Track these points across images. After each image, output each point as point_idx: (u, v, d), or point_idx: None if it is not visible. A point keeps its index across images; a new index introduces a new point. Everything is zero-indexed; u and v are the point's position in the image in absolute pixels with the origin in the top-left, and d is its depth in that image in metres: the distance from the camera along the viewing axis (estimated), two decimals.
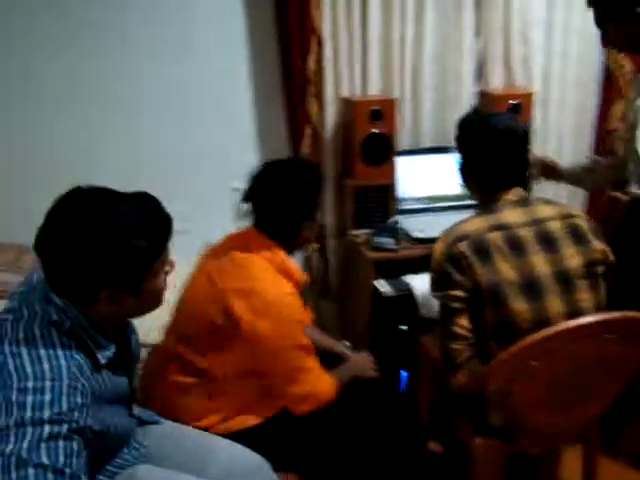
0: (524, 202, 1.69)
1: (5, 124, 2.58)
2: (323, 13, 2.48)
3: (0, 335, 1.21)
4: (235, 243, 1.79)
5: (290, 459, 1.78)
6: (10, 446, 1.07)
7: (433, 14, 2.62)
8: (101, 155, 2.68)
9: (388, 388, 2.14)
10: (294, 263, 1.78)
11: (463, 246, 1.59)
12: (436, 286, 1.66)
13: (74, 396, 1.15)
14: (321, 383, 1.76)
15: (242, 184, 2.50)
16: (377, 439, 1.86)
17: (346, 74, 2.59)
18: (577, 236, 1.65)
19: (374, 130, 2.48)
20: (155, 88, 2.64)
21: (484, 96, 2.75)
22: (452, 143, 2.05)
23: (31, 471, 1.06)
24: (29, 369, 1.15)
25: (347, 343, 2.16)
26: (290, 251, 1.80)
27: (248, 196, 1.79)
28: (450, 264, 1.61)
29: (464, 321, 1.60)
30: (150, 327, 2.10)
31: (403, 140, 2.70)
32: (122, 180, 2.32)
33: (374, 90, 2.65)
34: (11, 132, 2.60)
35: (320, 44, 2.49)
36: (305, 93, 2.53)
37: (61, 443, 1.11)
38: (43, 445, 1.08)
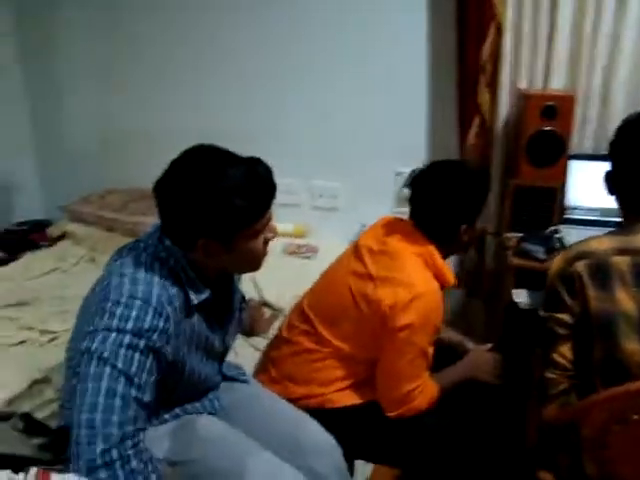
0: None
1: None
2: None
3: (118, 257, 1.41)
4: (390, 230, 1.79)
5: (373, 447, 1.80)
6: (95, 344, 1.23)
7: (637, 3, 2.28)
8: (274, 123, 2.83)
9: (504, 398, 1.99)
10: (445, 264, 1.74)
11: (580, 266, 1.39)
12: (545, 305, 1.49)
13: (157, 320, 1.28)
14: (421, 397, 1.72)
15: (405, 169, 2.50)
16: (472, 450, 1.79)
17: (526, 64, 2.38)
18: None
19: (545, 128, 2.25)
20: (333, 66, 2.69)
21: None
22: None
23: (107, 369, 1.21)
24: (126, 287, 1.31)
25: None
26: (445, 254, 1.77)
27: (410, 190, 1.79)
28: (562, 283, 1.42)
29: (566, 350, 1.41)
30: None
31: (584, 142, 2.42)
32: (283, 147, 2.57)
33: (557, 84, 2.39)
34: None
35: (500, 31, 2.31)
36: (477, 82, 2.38)
37: (137, 355, 1.24)
38: (122, 351, 1.23)
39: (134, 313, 1.27)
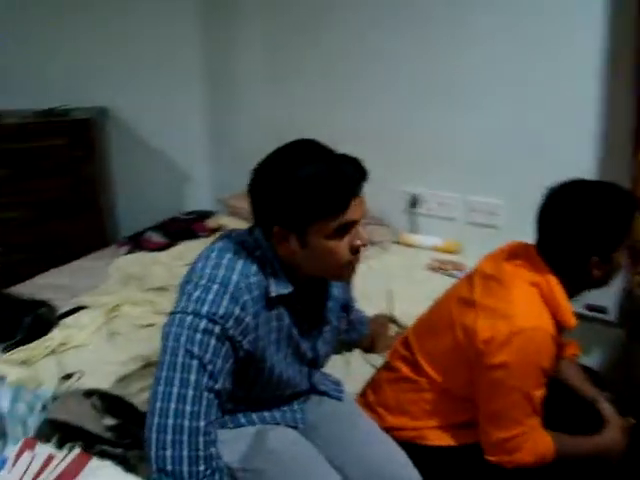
0: None
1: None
2: None
3: (212, 243, 1.42)
4: (512, 255, 1.59)
5: None
6: (174, 328, 1.25)
7: None
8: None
9: None
10: (566, 300, 1.49)
11: None
12: None
13: (233, 306, 1.26)
14: (526, 449, 1.48)
15: None
16: None
17: None
18: None
19: None
20: (494, 80, 2.51)
21: None
22: None
23: (181, 355, 1.22)
24: (207, 271, 1.31)
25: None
26: (571, 289, 1.52)
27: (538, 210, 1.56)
28: None
29: None
30: None
31: None
32: (442, 159, 2.70)
33: None
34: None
35: None
36: None
37: (213, 340, 1.24)
38: (198, 336, 1.23)
39: (211, 297, 1.26)
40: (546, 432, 1.52)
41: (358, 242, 1.32)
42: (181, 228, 3.05)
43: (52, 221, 2.97)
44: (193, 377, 1.21)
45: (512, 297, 1.47)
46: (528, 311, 1.44)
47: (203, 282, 1.29)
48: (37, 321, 2.15)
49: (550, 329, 1.43)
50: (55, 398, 1.56)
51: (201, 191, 3.52)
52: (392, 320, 2.20)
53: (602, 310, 2.35)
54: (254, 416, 1.52)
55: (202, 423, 1.21)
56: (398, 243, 2.82)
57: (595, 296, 2.29)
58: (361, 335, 1.99)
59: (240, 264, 1.33)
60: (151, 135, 3.42)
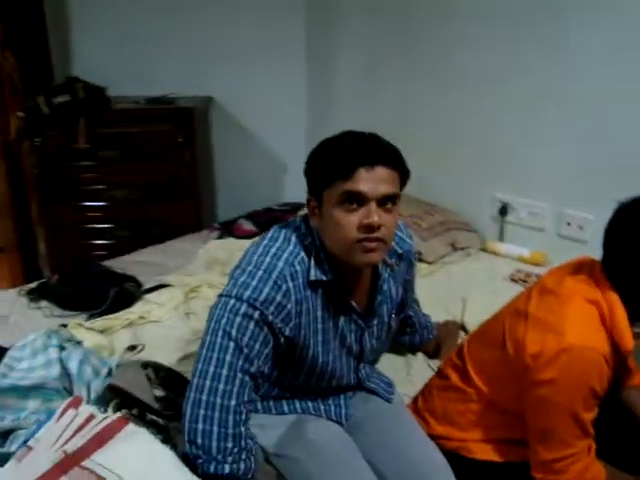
0: None
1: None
2: None
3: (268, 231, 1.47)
4: (576, 270, 1.52)
5: None
6: (217, 310, 1.31)
7: None
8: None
9: None
10: (626, 322, 1.40)
11: None
12: None
13: (275, 292, 1.30)
14: (574, 472, 1.40)
15: None
16: None
17: None
18: None
19: None
20: (594, 85, 2.37)
21: None
22: None
23: (220, 336, 1.27)
24: (255, 257, 1.36)
25: None
26: (635, 312, 1.42)
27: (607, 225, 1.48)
28: None
29: None
30: None
31: None
32: (538, 171, 2.67)
33: None
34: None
35: None
36: None
37: (251, 325, 1.28)
38: (238, 319, 1.28)
39: (254, 283, 1.30)
40: (599, 462, 1.44)
41: (366, 221, 1.29)
42: (272, 218, 3.13)
43: (154, 202, 3.14)
44: (228, 358, 1.26)
45: (566, 313, 1.40)
46: (580, 329, 1.37)
47: (250, 268, 1.33)
48: (122, 294, 2.29)
49: (603, 349, 1.35)
50: (119, 366, 1.67)
51: (298, 183, 3.56)
52: (462, 327, 2.15)
53: None
54: (297, 405, 1.54)
55: (233, 402, 1.26)
56: (485, 250, 2.74)
57: None
58: (423, 340, 1.96)
59: (287, 252, 1.36)
60: (253, 126, 3.54)
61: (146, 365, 1.58)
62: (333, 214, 1.31)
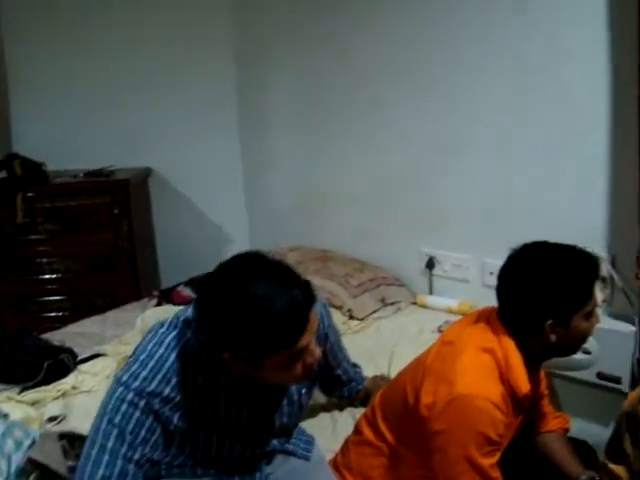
0: None
1: None
2: None
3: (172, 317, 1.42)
4: (477, 319, 1.59)
5: None
6: (106, 397, 1.31)
7: None
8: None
9: None
10: (521, 367, 1.46)
11: None
12: (605, 449, 1.15)
13: (164, 386, 1.29)
14: None
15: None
16: None
17: None
18: None
19: None
20: (510, 143, 2.52)
21: None
22: None
23: (105, 423, 1.27)
24: (150, 346, 1.35)
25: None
26: (532, 355, 1.51)
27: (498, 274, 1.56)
28: (627, 423, 1.10)
29: None
30: None
31: None
32: (457, 221, 2.80)
33: None
34: None
35: None
36: None
37: (137, 413, 1.28)
38: (124, 407, 1.27)
39: (144, 374, 1.30)
40: None
41: (309, 360, 1.30)
42: None
43: (95, 273, 3.20)
44: (110, 444, 1.26)
45: (459, 363, 1.45)
46: (471, 378, 1.41)
47: (142, 357, 1.33)
48: (57, 366, 2.30)
49: (494, 397, 1.39)
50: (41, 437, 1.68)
51: (237, 247, 3.64)
52: (389, 381, 2.21)
53: (615, 380, 2.26)
54: (213, 471, 1.52)
55: None
56: (415, 304, 2.83)
57: (609, 365, 2.27)
58: (352, 392, 2.00)
59: (181, 344, 1.33)
60: (192, 193, 3.65)
61: (63, 436, 1.61)
62: (276, 372, 1.29)
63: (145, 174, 3.50)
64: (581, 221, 2.32)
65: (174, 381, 1.30)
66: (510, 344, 1.46)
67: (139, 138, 3.46)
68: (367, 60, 2.93)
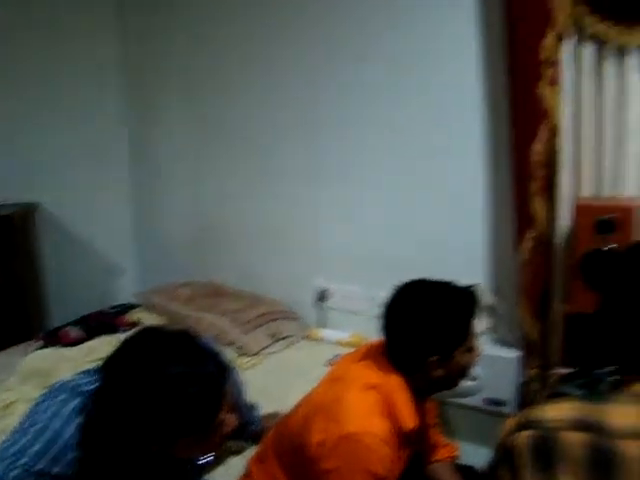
0: None
1: None
2: (560, 90, 1.98)
3: (69, 379, 1.34)
4: (365, 354, 1.61)
5: None
6: None
7: None
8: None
9: None
10: (407, 403, 1.49)
11: (523, 437, 1.02)
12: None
13: (51, 465, 1.22)
14: None
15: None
16: None
17: (589, 170, 2.04)
18: None
19: (600, 246, 1.88)
20: (392, 169, 2.55)
21: None
22: None
23: None
24: (47, 414, 1.26)
25: None
26: (419, 390, 1.52)
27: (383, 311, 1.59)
28: (501, 455, 1.10)
29: None
30: None
31: None
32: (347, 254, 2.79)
33: (632, 192, 2.00)
34: None
35: (553, 130, 2.00)
36: (529, 188, 2.06)
37: None
38: (11, 475, 1.19)
39: (35, 448, 1.22)
40: None
41: (226, 430, 1.29)
42: (102, 322, 3.05)
43: None
44: None
45: (346, 400, 1.46)
46: (359, 415, 1.42)
47: (38, 427, 1.25)
48: None
49: (381, 433, 1.41)
50: None
51: (128, 284, 3.55)
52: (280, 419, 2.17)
53: (500, 403, 2.32)
54: None
55: None
56: (308, 338, 2.80)
57: (494, 390, 2.32)
58: (249, 435, 1.97)
59: (79, 419, 1.26)
60: (81, 230, 3.48)
61: None
62: (193, 448, 1.28)
63: (31, 209, 3.32)
64: (465, 253, 2.38)
65: (64, 460, 1.23)
66: (396, 380, 1.48)
67: (26, 172, 3.28)
68: (255, 94, 2.93)
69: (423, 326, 1.47)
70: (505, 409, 2.31)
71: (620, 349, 1.12)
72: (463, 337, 1.51)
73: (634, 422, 0.97)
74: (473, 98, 2.25)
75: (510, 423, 1.10)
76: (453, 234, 2.42)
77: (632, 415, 0.98)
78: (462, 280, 2.14)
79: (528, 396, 2.22)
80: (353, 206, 2.69)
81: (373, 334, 2.57)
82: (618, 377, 1.30)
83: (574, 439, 0.97)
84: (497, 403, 2.33)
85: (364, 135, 2.58)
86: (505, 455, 1.06)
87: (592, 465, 0.95)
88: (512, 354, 2.26)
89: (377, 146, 2.56)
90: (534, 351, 2.19)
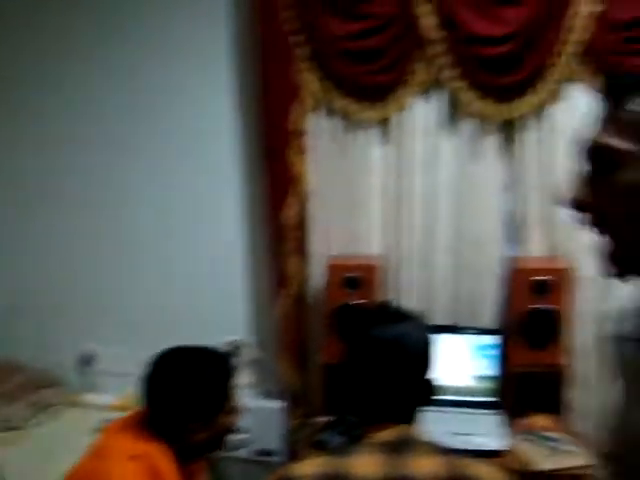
0: (397, 447, 1.19)
1: None
2: (308, 158, 2.18)
3: None
4: (127, 424, 1.54)
5: None
6: None
7: (448, 164, 2.19)
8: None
9: None
10: (172, 470, 1.46)
11: None
12: None
13: None
14: None
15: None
16: None
17: (338, 231, 2.25)
18: None
19: (349, 300, 2.08)
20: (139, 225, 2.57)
21: (507, 268, 2.22)
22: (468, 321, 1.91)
23: None
24: None
25: None
26: (184, 456, 1.50)
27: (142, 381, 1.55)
28: None
29: None
30: None
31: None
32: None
33: (373, 251, 2.25)
34: None
35: (303, 195, 2.19)
36: (283, 250, 2.22)
37: None
38: None
39: None
40: None
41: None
42: None
43: None
44: None
45: (110, 473, 1.41)
46: None
47: None
48: None
49: None
50: None
51: None
52: None
53: (270, 453, 2.41)
54: None
55: None
56: (74, 404, 2.67)
57: (264, 441, 2.41)
58: None
59: None
60: None
61: None
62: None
63: None
64: (228, 311, 2.46)
65: None
66: (159, 449, 1.47)
67: None
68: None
69: (182, 394, 1.49)
70: (275, 459, 2.41)
71: (360, 399, 1.27)
72: (223, 400, 1.55)
73: (374, 470, 1.14)
74: (229, 167, 2.36)
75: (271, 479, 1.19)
76: (215, 295, 2.48)
77: (371, 464, 1.15)
78: (226, 336, 2.24)
79: (294, 445, 2.34)
80: (121, 268, 2.66)
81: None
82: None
83: None
84: (267, 453, 2.41)
85: (126, 205, 2.57)
86: None
87: None
88: (277, 405, 2.37)
89: (139, 216, 2.57)
90: (297, 401, 2.33)
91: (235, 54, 2.29)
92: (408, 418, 1.26)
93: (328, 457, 1.21)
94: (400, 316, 1.37)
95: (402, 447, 1.18)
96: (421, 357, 1.30)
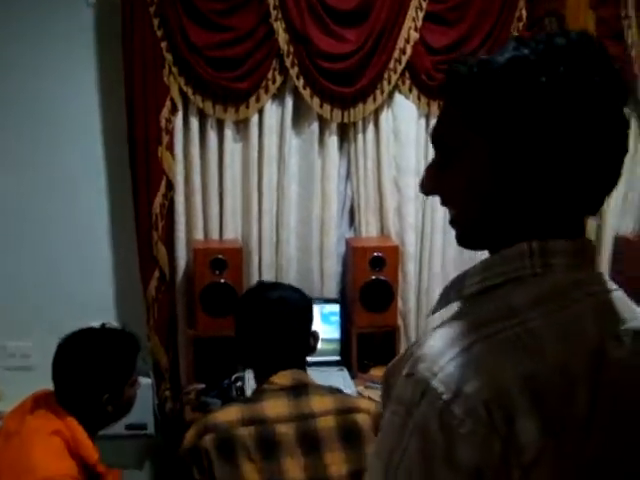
0: (296, 389, 1.48)
1: None
2: (175, 154, 2.41)
3: None
4: (35, 405, 1.63)
5: None
6: None
7: (296, 158, 2.55)
8: None
9: None
10: (87, 439, 1.59)
11: (208, 440, 1.37)
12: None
13: None
14: None
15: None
16: None
17: (200, 218, 2.49)
18: (350, 438, 1.43)
19: (215, 280, 2.34)
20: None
21: (348, 246, 2.62)
22: (316, 294, 2.11)
23: None
24: None
25: None
26: (92, 427, 1.64)
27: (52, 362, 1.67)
28: (191, 458, 1.40)
29: None
30: None
31: None
32: None
33: (233, 235, 2.54)
34: None
35: (170, 186, 2.42)
36: (152, 238, 2.43)
37: None
38: None
39: None
40: None
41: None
42: None
43: None
44: None
45: (32, 450, 1.52)
46: (49, 460, 1.50)
47: None
48: None
49: (72, 472, 1.52)
50: None
51: None
52: None
53: (142, 427, 2.57)
54: None
55: None
56: None
57: (134, 415, 2.55)
58: None
59: None
60: None
61: None
62: None
63: None
64: (98, 297, 2.60)
65: None
66: (73, 422, 1.60)
67: None
68: None
69: (94, 370, 1.64)
70: (147, 431, 2.59)
71: (258, 353, 1.57)
72: (129, 373, 1.73)
73: (282, 410, 1.44)
74: (98, 164, 2.52)
75: (191, 434, 1.45)
76: (85, 283, 2.60)
77: (279, 406, 1.45)
78: (97, 319, 2.37)
79: (168, 414, 2.56)
80: None
81: (9, 385, 2.60)
82: (241, 384, 1.83)
83: (245, 432, 1.39)
84: (139, 427, 2.58)
85: None
86: (194, 458, 1.39)
87: (260, 447, 1.37)
88: (147, 381, 2.54)
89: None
90: (165, 375, 2.55)
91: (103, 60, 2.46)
92: (300, 364, 1.56)
93: (241, 405, 1.47)
94: (278, 285, 1.77)
95: (300, 390, 1.48)
96: (304, 311, 1.62)
